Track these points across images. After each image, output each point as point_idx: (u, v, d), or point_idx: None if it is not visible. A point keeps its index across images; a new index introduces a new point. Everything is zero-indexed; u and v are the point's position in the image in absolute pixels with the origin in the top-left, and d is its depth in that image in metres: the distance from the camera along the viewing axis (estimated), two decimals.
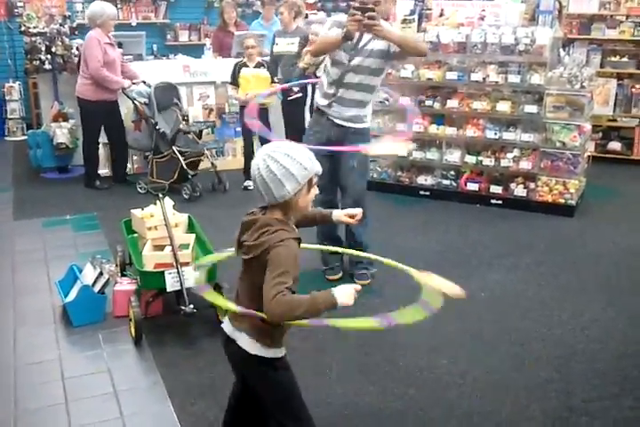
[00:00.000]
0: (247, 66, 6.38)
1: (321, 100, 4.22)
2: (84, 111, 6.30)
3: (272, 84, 6.26)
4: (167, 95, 6.41)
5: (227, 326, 2.29)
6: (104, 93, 6.13)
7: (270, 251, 2.06)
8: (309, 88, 6.63)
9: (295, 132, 6.50)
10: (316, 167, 2.16)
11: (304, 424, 2.33)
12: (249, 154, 6.38)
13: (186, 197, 6.12)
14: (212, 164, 6.45)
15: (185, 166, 6.19)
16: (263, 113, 6.57)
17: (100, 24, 6.07)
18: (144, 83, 6.40)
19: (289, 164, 2.10)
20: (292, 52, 6.60)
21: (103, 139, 6.64)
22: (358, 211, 2.49)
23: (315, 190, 2.22)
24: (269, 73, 6.35)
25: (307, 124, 6.45)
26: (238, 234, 2.22)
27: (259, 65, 6.37)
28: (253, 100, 5.66)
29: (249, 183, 6.29)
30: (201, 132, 6.70)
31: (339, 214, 2.50)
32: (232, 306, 2.21)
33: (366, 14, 3.71)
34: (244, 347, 2.22)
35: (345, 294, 2.01)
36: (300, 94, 6.62)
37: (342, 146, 4.17)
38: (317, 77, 6.50)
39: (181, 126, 6.32)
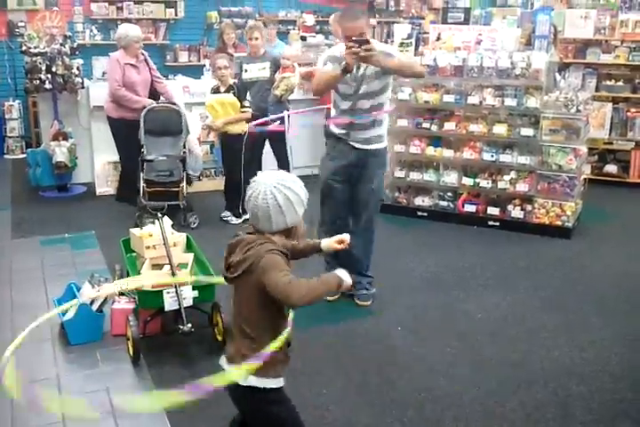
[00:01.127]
0: (219, 91, 6.00)
1: (337, 129, 4.24)
2: (111, 128, 6.36)
3: (241, 110, 5.88)
4: (165, 120, 6.01)
5: (224, 364, 2.30)
6: (125, 112, 6.13)
7: (261, 261, 2.11)
8: (286, 115, 6.38)
9: (280, 165, 6.57)
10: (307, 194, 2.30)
11: None
12: (235, 186, 6.03)
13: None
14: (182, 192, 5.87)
15: (147, 195, 5.76)
16: (273, 139, 6.52)
17: (124, 46, 6.12)
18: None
19: (301, 192, 2.23)
20: (265, 78, 6.45)
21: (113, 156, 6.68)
22: (346, 236, 2.53)
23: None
24: (238, 97, 5.89)
25: (289, 154, 6.54)
26: (225, 257, 2.26)
27: (229, 88, 5.95)
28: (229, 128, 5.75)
29: (227, 214, 6.18)
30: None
31: (328, 243, 2.51)
32: (244, 367, 2.17)
33: (363, 47, 3.78)
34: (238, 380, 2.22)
35: (345, 274, 2.23)
36: (279, 122, 6.33)
37: (361, 170, 4.23)
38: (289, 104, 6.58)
39: (148, 157, 5.80)
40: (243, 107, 5.90)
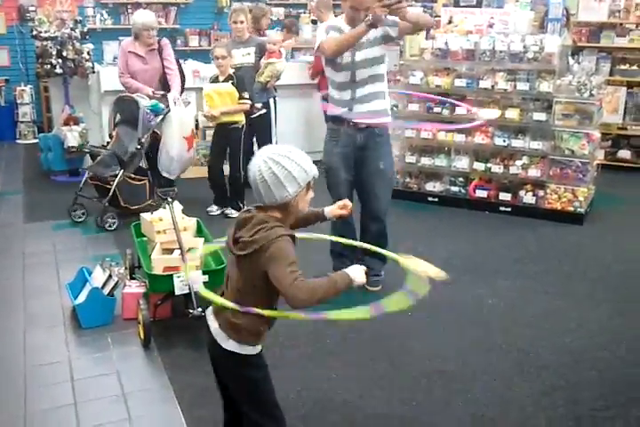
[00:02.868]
0: (218, 80, 5.80)
1: (338, 110, 4.16)
2: None
3: (239, 101, 5.66)
4: (131, 111, 5.70)
5: (210, 321, 2.31)
6: None
7: (270, 246, 2.08)
8: (272, 103, 6.44)
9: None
10: (315, 171, 2.22)
11: (280, 423, 2.34)
12: (215, 174, 5.96)
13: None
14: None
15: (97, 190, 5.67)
16: (256, 127, 6.28)
17: (135, 33, 6.02)
18: (167, 97, 5.88)
19: (291, 166, 2.15)
20: (250, 64, 6.28)
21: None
22: (347, 201, 2.53)
23: (311, 193, 2.26)
24: (238, 88, 5.67)
25: (274, 140, 6.44)
26: (233, 230, 2.23)
27: (228, 78, 5.73)
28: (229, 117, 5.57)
29: (213, 208, 5.99)
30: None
31: (331, 209, 2.52)
32: (229, 304, 2.20)
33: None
34: (219, 342, 2.25)
35: (358, 272, 2.16)
36: (264, 110, 6.36)
37: (368, 151, 4.16)
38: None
39: (93, 149, 5.77)
40: (241, 98, 5.69)
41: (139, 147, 5.63)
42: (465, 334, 3.82)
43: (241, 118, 5.79)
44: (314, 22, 8.87)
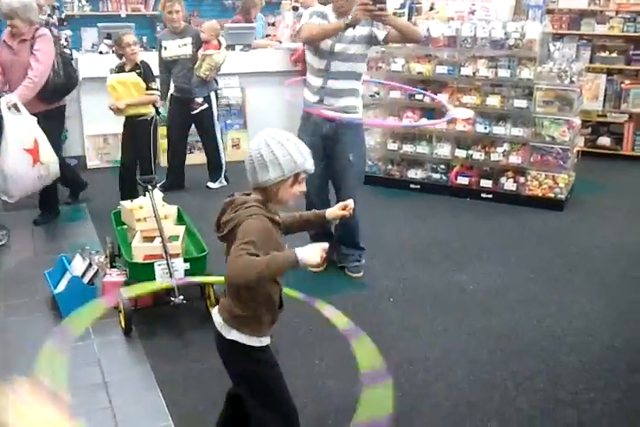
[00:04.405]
0: (123, 70, 5.35)
1: (310, 97, 4.17)
2: None
3: (147, 92, 5.28)
4: None
5: (215, 315, 2.29)
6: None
7: (242, 223, 2.07)
8: (213, 96, 6.12)
9: (211, 147, 6.28)
10: (307, 165, 2.20)
11: (284, 419, 2.30)
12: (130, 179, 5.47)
13: None
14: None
15: None
16: (198, 122, 6.12)
17: None
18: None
19: (280, 152, 2.14)
20: (187, 55, 5.92)
21: None
22: (349, 202, 2.48)
23: (300, 187, 2.23)
24: (145, 78, 5.26)
25: (218, 135, 6.26)
26: (218, 216, 2.23)
27: (135, 68, 5.30)
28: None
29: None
30: None
31: (332, 210, 2.46)
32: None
33: (377, 6, 3.77)
34: (221, 332, 2.23)
35: (308, 250, 2.02)
36: (206, 105, 6.02)
37: (336, 142, 4.16)
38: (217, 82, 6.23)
39: None
40: (149, 88, 5.29)
41: None
42: (446, 319, 3.84)
43: (149, 110, 5.42)
44: (295, 9, 8.81)
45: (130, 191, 5.32)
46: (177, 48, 5.93)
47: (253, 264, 1.97)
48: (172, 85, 6.11)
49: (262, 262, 1.98)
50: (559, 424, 2.92)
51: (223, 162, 6.34)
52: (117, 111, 5.32)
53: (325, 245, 2.06)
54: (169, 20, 5.96)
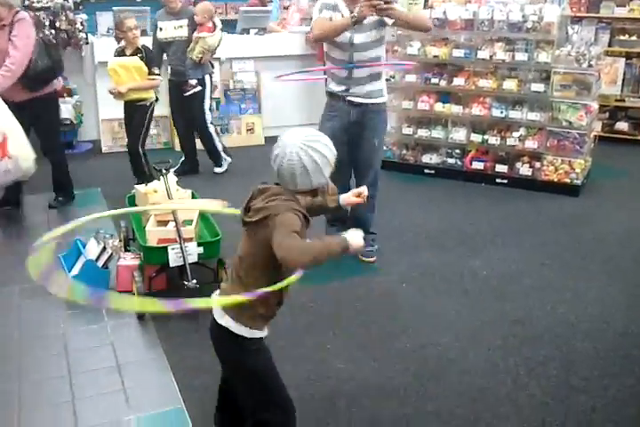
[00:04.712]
0: (124, 54, 5.31)
1: (336, 87, 4.18)
2: None
3: (148, 77, 5.27)
4: None
5: (214, 297, 2.30)
6: None
7: (279, 216, 2.04)
8: (207, 79, 6.01)
9: (194, 128, 6.13)
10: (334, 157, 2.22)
11: (283, 412, 2.29)
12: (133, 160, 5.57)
13: None
14: None
15: None
16: (186, 104, 5.97)
17: None
18: None
19: (328, 153, 2.15)
20: (183, 38, 5.84)
21: None
22: (363, 188, 2.46)
23: None
24: (147, 62, 5.26)
25: (208, 119, 6.08)
26: (247, 200, 2.19)
27: (136, 51, 5.28)
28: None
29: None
30: None
31: (346, 197, 2.43)
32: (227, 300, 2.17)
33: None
34: (214, 315, 2.23)
35: (356, 236, 2.08)
36: (199, 88, 5.92)
37: (363, 128, 4.18)
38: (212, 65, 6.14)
39: None
40: (151, 73, 5.27)
41: None
42: (459, 304, 3.82)
43: (150, 95, 5.40)
44: None
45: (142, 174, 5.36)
46: (173, 29, 5.84)
47: (310, 247, 2.01)
48: (168, 69, 6.03)
49: (318, 247, 2.02)
50: (572, 411, 2.90)
51: (218, 146, 6.21)
52: (118, 95, 5.26)
53: (362, 232, 2.11)
54: (166, 1, 5.84)
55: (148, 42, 5.77)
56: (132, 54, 5.25)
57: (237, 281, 2.21)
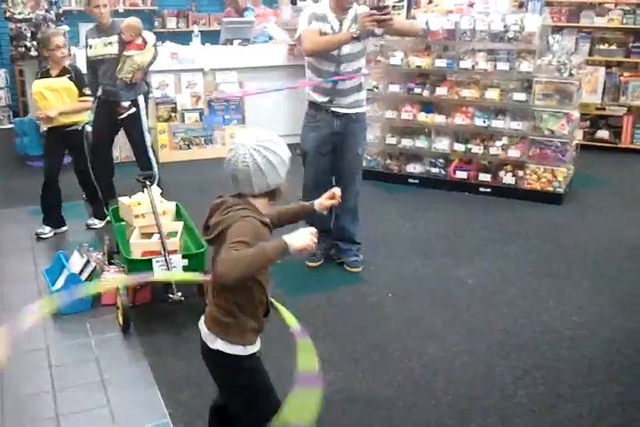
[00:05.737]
0: (49, 75, 4.81)
1: (319, 97, 4.18)
2: None
3: (80, 99, 4.85)
4: None
5: (201, 325, 2.26)
6: None
7: (232, 226, 2.02)
8: (141, 100, 5.49)
9: (140, 152, 5.64)
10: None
11: None
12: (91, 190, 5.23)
13: None
14: None
15: None
16: (125, 127, 5.52)
17: None
18: None
19: (282, 152, 2.12)
20: (113, 55, 5.30)
21: None
22: (336, 189, 2.42)
23: None
24: (77, 83, 4.83)
25: (148, 142, 5.59)
26: (206, 218, 2.18)
27: (63, 72, 4.80)
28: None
29: (93, 221, 5.20)
30: None
31: (320, 201, 2.40)
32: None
33: (384, 11, 3.86)
34: (206, 342, 2.19)
35: (297, 236, 2.00)
36: (134, 109, 5.41)
37: (346, 137, 4.21)
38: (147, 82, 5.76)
39: None
40: (82, 95, 4.86)
41: None
42: (445, 314, 3.83)
43: (83, 118, 4.99)
44: (293, 3, 8.77)
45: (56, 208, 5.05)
46: (102, 47, 5.36)
47: (242, 257, 1.93)
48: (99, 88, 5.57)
49: (250, 253, 1.94)
50: (559, 419, 2.91)
51: (155, 169, 5.63)
52: (47, 121, 4.82)
53: (313, 229, 2.05)
54: (97, 16, 5.30)
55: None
56: (58, 75, 4.80)
57: (210, 302, 2.21)
